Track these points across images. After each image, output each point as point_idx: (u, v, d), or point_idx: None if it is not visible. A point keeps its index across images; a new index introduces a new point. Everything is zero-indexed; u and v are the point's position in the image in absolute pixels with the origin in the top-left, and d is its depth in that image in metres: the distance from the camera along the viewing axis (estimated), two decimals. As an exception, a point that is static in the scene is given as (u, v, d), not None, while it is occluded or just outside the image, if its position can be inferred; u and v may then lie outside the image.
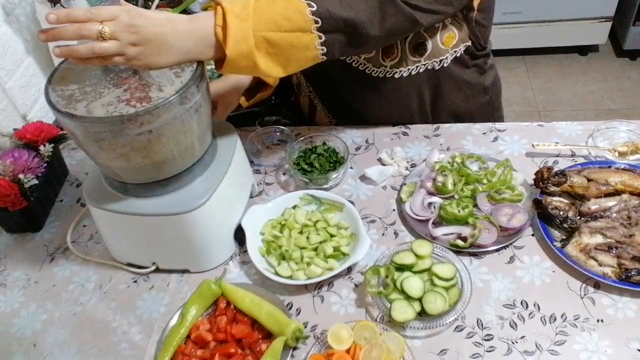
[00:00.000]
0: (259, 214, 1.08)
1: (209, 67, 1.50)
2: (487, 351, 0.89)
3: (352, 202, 1.10)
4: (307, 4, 0.90)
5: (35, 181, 1.13)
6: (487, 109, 1.30)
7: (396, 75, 1.16)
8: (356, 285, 1.00)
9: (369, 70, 1.16)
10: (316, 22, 0.91)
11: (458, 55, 1.16)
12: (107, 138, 0.85)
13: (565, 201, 1.05)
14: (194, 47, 0.88)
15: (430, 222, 1.05)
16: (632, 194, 1.03)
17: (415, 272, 0.95)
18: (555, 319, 0.91)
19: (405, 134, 1.25)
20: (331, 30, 0.92)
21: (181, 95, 0.86)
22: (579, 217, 1.02)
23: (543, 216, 1.02)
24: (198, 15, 0.90)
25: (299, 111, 1.44)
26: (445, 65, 1.16)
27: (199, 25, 0.88)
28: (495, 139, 1.21)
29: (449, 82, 1.20)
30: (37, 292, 1.06)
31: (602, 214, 1.02)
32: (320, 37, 0.92)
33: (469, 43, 1.16)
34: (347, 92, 1.24)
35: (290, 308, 0.98)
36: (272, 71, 0.93)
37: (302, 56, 0.94)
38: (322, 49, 0.93)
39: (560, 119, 1.24)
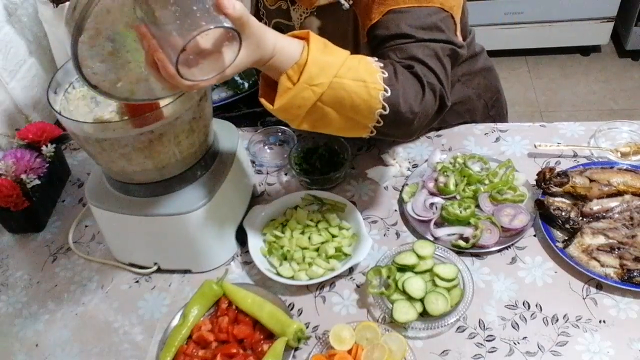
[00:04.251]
0: (260, 214, 1.08)
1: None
2: (489, 352, 0.89)
3: (353, 203, 1.10)
4: (381, 106, 0.82)
5: (38, 181, 1.13)
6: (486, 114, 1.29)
7: None
8: (358, 286, 1.00)
9: None
10: (378, 122, 0.84)
11: None
12: (108, 138, 0.85)
13: (568, 202, 1.04)
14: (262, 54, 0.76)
15: (432, 222, 1.05)
16: (634, 194, 1.03)
17: (417, 273, 0.95)
18: (557, 320, 0.91)
19: (407, 134, 1.25)
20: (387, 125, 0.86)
21: (182, 95, 0.86)
22: (581, 218, 1.01)
23: (545, 217, 1.02)
24: (290, 40, 0.80)
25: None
26: None
27: (285, 44, 0.78)
28: (497, 139, 1.21)
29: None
30: (39, 292, 1.07)
31: (604, 214, 1.01)
32: (373, 128, 0.86)
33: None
34: None
35: (292, 308, 0.98)
36: (301, 128, 0.86)
37: (344, 133, 0.88)
38: (369, 135, 0.88)
39: (562, 120, 1.24)
